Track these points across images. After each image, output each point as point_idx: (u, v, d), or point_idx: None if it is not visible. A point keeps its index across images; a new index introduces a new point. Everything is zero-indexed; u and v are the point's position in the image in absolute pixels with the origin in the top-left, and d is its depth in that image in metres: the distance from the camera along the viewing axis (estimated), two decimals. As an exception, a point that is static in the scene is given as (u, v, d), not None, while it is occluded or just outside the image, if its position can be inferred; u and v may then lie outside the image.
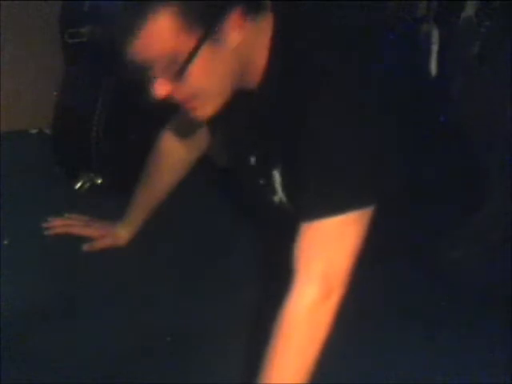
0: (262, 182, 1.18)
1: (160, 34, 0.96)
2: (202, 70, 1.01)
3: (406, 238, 1.27)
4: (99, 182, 1.85)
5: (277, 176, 1.14)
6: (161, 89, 1.02)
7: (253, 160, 1.18)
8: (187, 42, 0.98)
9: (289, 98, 1.05)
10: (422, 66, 1.53)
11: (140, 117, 1.84)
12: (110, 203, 1.71)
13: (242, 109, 1.14)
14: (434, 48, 2.36)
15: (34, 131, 2.18)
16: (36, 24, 2.06)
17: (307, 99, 1.01)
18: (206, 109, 1.06)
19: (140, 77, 1.03)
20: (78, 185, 1.85)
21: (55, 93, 1.97)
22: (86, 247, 1.54)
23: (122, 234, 1.57)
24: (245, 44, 1.03)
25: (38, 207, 1.71)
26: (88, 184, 1.85)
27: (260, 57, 1.06)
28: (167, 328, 1.34)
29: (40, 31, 2.05)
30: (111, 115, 1.82)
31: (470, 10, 2.22)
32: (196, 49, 0.98)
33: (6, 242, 1.56)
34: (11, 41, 2.02)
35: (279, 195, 1.17)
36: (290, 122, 1.05)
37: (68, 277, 1.48)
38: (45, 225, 1.59)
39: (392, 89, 1.06)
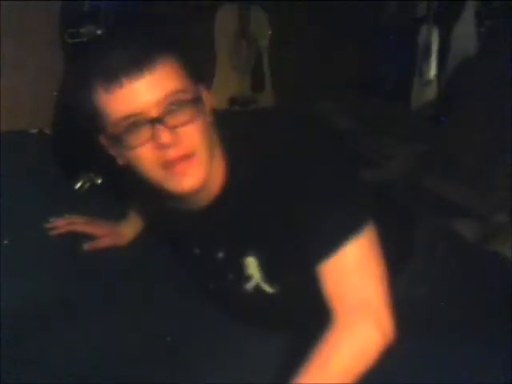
0: (231, 276, 1.18)
1: (170, 72, 0.99)
2: (203, 123, 1.02)
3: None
4: (99, 181, 1.85)
5: (251, 261, 1.14)
6: (166, 135, 0.97)
7: (221, 255, 1.18)
8: (191, 89, 1.02)
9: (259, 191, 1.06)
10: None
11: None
12: (109, 203, 1.71)
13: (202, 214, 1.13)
14: (434, 48, 2.36)
15: (33, 131, 2.18)
16: (36, 24, 2.06)
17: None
18: (199, 171, 1.02)
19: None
20: (78, 185, 1.85)
21: (55, 93, 1.97)
22: (86, 246, 1.54)
23: (125, 232, 1.57)
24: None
25: (37, 207, 1.70)
26: (88, 184, 1.85)
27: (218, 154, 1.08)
28: (167, 328, 1.34)
29: (40, 31, 2.05)
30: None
31: (469, 9, 2.22)
32: (200, 96, 1.03)
33: (6, 242, 1.56)
34: (11, 41, 2.02)
35: (255, 280, 1.16)
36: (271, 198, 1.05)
37: (68, 277, 1.47)
38: (48, 225, 1.59)
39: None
